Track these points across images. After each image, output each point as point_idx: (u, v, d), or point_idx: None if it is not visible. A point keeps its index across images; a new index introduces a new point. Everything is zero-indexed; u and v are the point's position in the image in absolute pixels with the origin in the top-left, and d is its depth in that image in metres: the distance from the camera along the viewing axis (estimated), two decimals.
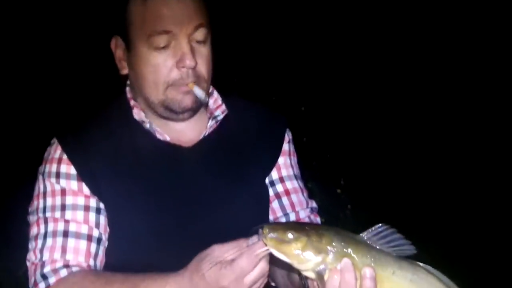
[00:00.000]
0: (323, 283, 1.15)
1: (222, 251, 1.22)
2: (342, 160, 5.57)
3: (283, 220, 1.66)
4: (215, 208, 1.55)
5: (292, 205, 1.67)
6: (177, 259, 1.40)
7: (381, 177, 5.55)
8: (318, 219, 1.73)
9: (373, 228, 1.18)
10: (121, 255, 1.51)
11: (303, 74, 6.24)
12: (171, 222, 1.51)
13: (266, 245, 1.17)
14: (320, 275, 1.15)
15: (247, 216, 1.56)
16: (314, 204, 1.73)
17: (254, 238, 1.20)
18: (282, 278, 1.55)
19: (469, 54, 6.50)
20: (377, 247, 1.17)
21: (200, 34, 1.51)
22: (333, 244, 1.15)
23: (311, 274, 1.18)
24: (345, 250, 1.15)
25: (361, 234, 1.18)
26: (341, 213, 4.95)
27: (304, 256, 1.15)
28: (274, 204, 1.67)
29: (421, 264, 1.18)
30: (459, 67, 6.61)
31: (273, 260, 1.22)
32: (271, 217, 1.66)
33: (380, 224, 1.18)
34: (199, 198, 1.54)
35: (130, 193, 1.51)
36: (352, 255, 1.15)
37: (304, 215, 1.68)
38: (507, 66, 6.04)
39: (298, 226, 1.18)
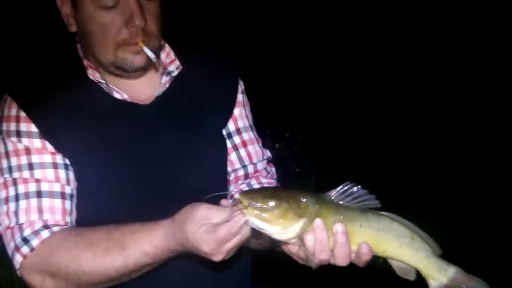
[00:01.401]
0: (305, 246, 1.23)
1: (208, 214, 1.25)
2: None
3: (241, 171, 1.71)
4: (174, 162, 1.57)
5: (250, 156, 1.72)
6: (139, 211, 1.46)
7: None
8: (273, 170, 1.80)
9: (340, 187, 1.25)
10: (85, 210, 1.52)
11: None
12: (131, 176, 1.53)
13: (244, 204, 1.20)
14: (302, 239, 1.23)
15: (205, 168, 1.60)
16: (269, 154, 1.78)
17: (236, 207, 1.22)
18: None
19: (469, 52, 6.55)
20: (345, 205, 1.25)
21: None
22: (309, 207, 1.22)
23: (292, 240, 1.24)
24: (318, 211, 1.23)
25: (328, 193, 1.26)
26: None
27: (286, 222, 1.20)
28: (232, 156, 1.70)
29: (385, 213, 1.27)
30: (453, 64, 6.68)
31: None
32: (229, 169, 1.70)
33: (346, 183, 1.25)
34: (157, 152, 1.56)
35: (90, 148, 1.50)
36: (324, 216, 1.23)
37: (261, 167, 1.74)
38: (507, 66, 6.10)
39: (273, 193, 1.23)
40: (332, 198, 1.25)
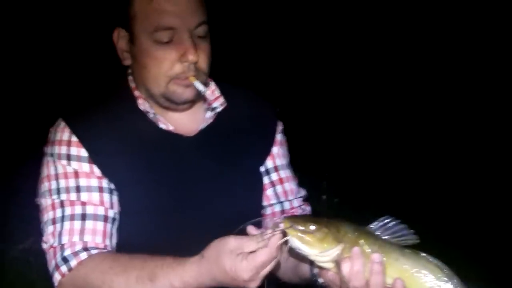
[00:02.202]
0: (340, 271, 1.27)
1: (239, 243, 1.29)
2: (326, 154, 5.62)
3: (277, 207, 1.75)
4: (211, 192, 1.63)
5: (285, 193, 1.76)
6: (175, 237, 1.52)
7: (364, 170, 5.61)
8: (308, 208, 1.83)
9: (379, 220, 1.30)
10: (125, 233, 1.58)
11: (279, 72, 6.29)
12: (170, 202, 1.59)
13: (283, 236, 1.26)
14: (338, 264, 1.27)
15: (241, 200, 1.66)
16: (304, 192, 1.83)
17: (270, 231, 1.27)
18: (287, 270, 1.61)
19: (469, 53, 6.51)
20: (383, 237, 1.29)
21: (201, 30, 1.58)
22: (348, 234, 1.28)
23: (328, 264, 1.29)
24: (357, 240, 1.27)
25: (369, 226, 1.30)
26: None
27: (326, 246, 1.26)
28: (269, 192, 1.75)
29: (422, 253, 1.30)
30: (447, 64, 6.63)
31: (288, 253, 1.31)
32: (265, 203, 1.75)
33: (386, 216, 1.30)
34: (197, 184, 1.62)
35: (134, 173, 1.57)
36: (363, 244, 1.27)
37: (297, 204, 1.79)
38: (507, 66, 6.04)
39: (316, 219, 1.29)
40: (372, 229, 1.30)
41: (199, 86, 1.58)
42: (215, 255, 1.31)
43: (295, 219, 1.28)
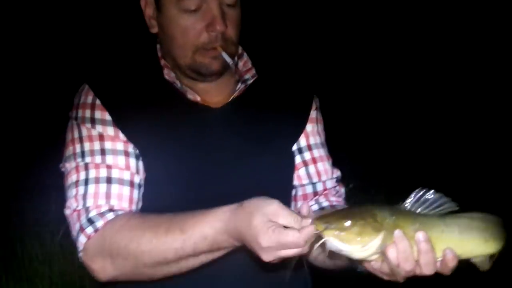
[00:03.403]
0: (389, 259, 1.18)
1: (278, 211, 1.21)
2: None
3: (309, 187, 1.67)
4: (238, 168, 1.56)
5: (318, 173, 1.67)
6: (198, 208, 1.41)
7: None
8: (343, 190, 1.74)
9: (413, 195, 1.21)
10: (149, 201, 1.52)
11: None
12: (192, 177, 1.52)
13: (319, 236, 1.16)
14: (384, 253, 1.18)
15: (269, 179, 1.57)
16: (339, 173, 1.74)
17: (308, 219, 1.19)
18: (323, 257, 1.52)
19: (462, 52, 6.43)
20: (422, 213, 1.21)
21: None
22: (386, 219, 1.18)
23: (374, 256, 1.20)
24: (396, 222, 1.18)
25: (404, 203, 1.22)
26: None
27: (367, 239, 1.16)
28: (301, 172, 1.67)
29: (463, 214, 1.23)
30: (446, 64, 6.55)
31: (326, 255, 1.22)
32: (296, 183, 1.67)
33: (419, 189, 1.22)
34: (223, 156, 1.55)
35: (159, 142, 1.51)
36: (403, 225, 1.18)
37: (330, 185, 1.69)
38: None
39: (347, 212, 1.20)
40: (407, 207, 1.21)
41: (227, 57, 1.52)
42: (252, 208, 1.24)
43: (326, 218, 1.17)
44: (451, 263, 1.21)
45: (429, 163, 5.40)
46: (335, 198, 1.69)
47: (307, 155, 1.68)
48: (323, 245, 1.18)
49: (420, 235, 1.17)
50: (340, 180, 1.74)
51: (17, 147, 5.27)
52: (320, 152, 1.69)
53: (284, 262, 1.24)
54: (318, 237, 1.17)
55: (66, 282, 3.90)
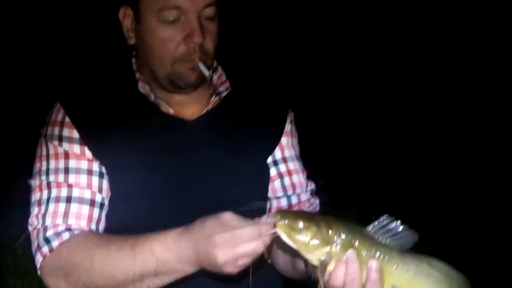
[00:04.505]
0: (323, 273, 1.18)
1: (231, 218, 1.23)
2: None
3: (284, 200, 1.67)
4: (212, 181, 1.56)
5: (293, 186, 1.68)
6: (170, 225, 1.40)
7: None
8: (317, 202, 1.74)
9: (378, 221, 1.20)
10: (118, 221, 1.52)
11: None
12: (167, 188, 1.52)
13: (274, 227, 1.20)
14: (323, 265, 1.18)
15: (243, 192, 1.57)
16: (313, 186, 1.74)
17: (264, 217, 1.22)
18: (285, 264, 1.56)
19: (462, 53, 6.50)
20: (382, 241, 1.19)
21: (210, 11, 1.52)
22: (341, 236, 1.18)
23: (315, 262, 1.20)
24: (352, 242, 1.18)
25: (367, 227, 1.21)
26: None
27: (312, 245, 1.18)
28: (276, 184, 1.67)
29: (424, 257, 1.20)
30: (449, 66, 6.62)
31: (279, 246, 1.24)
32: (271, 195, 1.67)
33: (385, 216, 1.20)
34: (197, 169, 1.55)
35: (130, 156, 1.52)
36: (358, 247, 1.18)
37: (305, 198, 1.70)
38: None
39: (308, 216, 1.21)
40: (371, 232, 1.20)
41: (204, 69, 1.53)
42: (203, 220, 1.26)
43: (286, 213, 1.21)
44: None
45: (408, 181, 5.43)
46: (309, 210, 1.68)
47: (282, 167, 1.68)
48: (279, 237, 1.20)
49: (373, 264, 1.16)
50: (315, 193, 1.75)
51: None
52: (295, 165, 1.70)
53: (247, 269, 1.25)
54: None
55: None
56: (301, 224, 1.18)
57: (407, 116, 6.51)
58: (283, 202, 1.67)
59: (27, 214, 1.52)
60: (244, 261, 1.23)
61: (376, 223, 1.20)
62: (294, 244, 1.19)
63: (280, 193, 1.67)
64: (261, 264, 1.28)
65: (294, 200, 1.68)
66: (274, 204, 1.67)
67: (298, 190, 1.68)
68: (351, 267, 1.16)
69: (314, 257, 1.19)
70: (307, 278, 1.39)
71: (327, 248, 1.18)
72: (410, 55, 6.85)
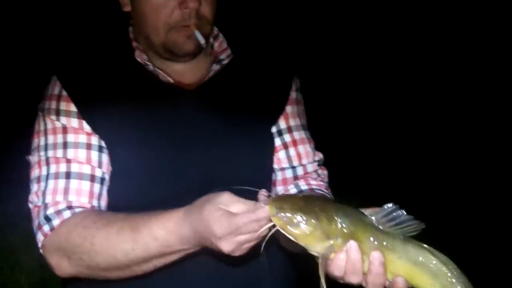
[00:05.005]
0: (325, 264, 1.13)
1: (229, 201, 1.18)
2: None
3: (289, 172, 1.62)
4: (212, 152, 1.51)
5: (299, 156, 1.62)
6: (170, 198, 1.38)
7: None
8: (325, 172, 1.69)
9: (381, 208, 1.15)
10: (118, 193, 1.49)
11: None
12: (166, 163, 1.48)
13: (271, 212, 1.12)
14: (324, 259, 1.13)
15: (245, 164, 1.53)
16: (320, 156, 1.68)
17: (262, 203, 1.14)
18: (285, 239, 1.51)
19: (461, 53, 6.45)
20: (385, 230, 1.14)
21: None
22: (343, 227, 1.12)
23: (316, 254, 1.15)
24: (353, 232, 1.13)
25: (368, 215, 1.15)
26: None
27: (311, 239, 1.11)
28: (281, 154, 1.61)
29: (426, 246, 1.16)
30: (447, 65, 6.57)
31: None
32: (276, 167, 1.61)
33: (389, 204, 1.15)
34: (197, 140, 1.51)
35: (128, 129, 1.48)
36: (360, 238, 1.13)
37: (311, 169, 1.64)
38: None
39: (307, 205, 1.13)
40: (373, 219, 1.15)
41: (200, 37, 1.47)
42: (202, 202, 1.21)
43: (283, 203, 1.12)
44: None
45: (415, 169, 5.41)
46: (316, 182, 1.63)
47: (287, 137, 1.62)
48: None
49: (376, 255, 1.12)
50: (322, 164, 1.69)
51: None
52: (301, 135, 1.64)
53: (251, 253, 1.20)
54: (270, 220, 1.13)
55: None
56: (299, 217, 1.10)
57: (405, 105, 6.46)
58: (288, 174, 1.62)
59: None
60: (249, 245, 1.19)
61: (378, 210, 1.15)
62: (292, 237, 1.12)
63: (285, 164, 1.62)
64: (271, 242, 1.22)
65: (300, 171, 1.62)
66: (279, 176, 1.62)
67: (304, 161, 1.63)
68: (352, 256, 1.12)
69: (314, 250, 1.14)
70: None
71: (329, 242, 1.12)
72: (413, 50, 6.79)
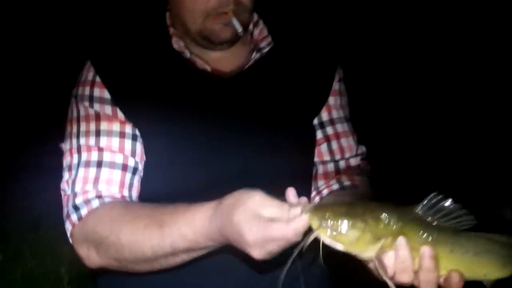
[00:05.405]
0: (383, 265, 1.06)
1: (262, 203, 1.09)
2: None
3: (331, 165, 1.56)
4: (250, 144, 1.45)
5: (342, 150, 1.56)
6: (205, 190, 1.30)
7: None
8: (368, 168, 1.62)
9: (427, 200, 1.07)
10: (151, 186, 1.44)
11: None
12: (200, 155, 1.43)
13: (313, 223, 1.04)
14: (380, 258, 1.06)
15: (284, 157, 1.47)
16: (363, 149, 1.62)
17: (297, 209, 1.06)
18: None
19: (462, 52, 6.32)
20: (434, 223, 1.07)
21: None
22: (391, 225, 1.05)
23: (367, 259, 1.08)
24: (401, 229, 1.05)
25: (414, 207, 1.08)
26: None
27: (362, 244, 1.04)
28: (323, 147, 1.56)
29: (481, 234, 1.09)
30: (447, 65, 6.43)
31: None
32: (317, 159, 1.56)
33: (433, 194, 1.07)
34: (233, 132, 1.45)
35: (163, 120, 1.43)
36: (408, 234, 1.05)
37: (354, 163, 1.58)
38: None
39: (350, 209, 1.06)
40: (419, 213, 1.07)
41: (237, 24, 1.43)
42: (232, 204, 1.11)
43: (322, 212, 1.04)
44: (456, 286, 1.08)
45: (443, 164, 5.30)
46: (359, 177, 1.56)
47: (329, 130, 1.56)
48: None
49: (426, 250, 1.05)
50: (365, 158, 1.63)
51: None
52: (344, 127, 1.58)
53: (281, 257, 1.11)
54: (311, 228, 1.04)
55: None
56: (345, 223, 1.03)
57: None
58: (330, 168, 1.56)
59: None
60: (276, 250, 1.09)
61: (425, 202, 1.07)
62: (341, 246, 1.04)
63: (327, 157, 1.56)
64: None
65: (342, 165, 1.56)
66: (321, 170, 1.56)
67: (347, 154, 1.56)
68: (401, 254, 1.05)
69: (366, 255, 1.06)
70: None
71: (379, 244, 1.04)
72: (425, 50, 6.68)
